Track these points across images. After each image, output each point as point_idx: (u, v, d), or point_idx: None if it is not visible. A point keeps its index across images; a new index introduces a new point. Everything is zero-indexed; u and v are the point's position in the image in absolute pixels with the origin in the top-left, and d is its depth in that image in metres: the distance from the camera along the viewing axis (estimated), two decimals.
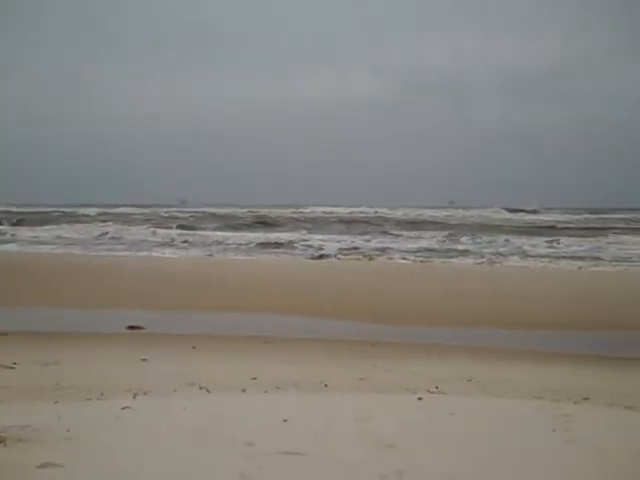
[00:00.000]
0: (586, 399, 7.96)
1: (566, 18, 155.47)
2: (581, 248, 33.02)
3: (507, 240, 36.35)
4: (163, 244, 35.34)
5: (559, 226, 48.05)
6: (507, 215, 61.14)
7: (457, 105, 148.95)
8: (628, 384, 8.98)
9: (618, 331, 13.48)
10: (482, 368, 9.71)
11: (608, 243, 35.03)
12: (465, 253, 31.38)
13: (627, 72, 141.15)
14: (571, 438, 6.33)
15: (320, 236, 38.45)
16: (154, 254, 30.67)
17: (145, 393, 7.74)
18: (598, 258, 28.83)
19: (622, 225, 49.41)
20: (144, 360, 9.82)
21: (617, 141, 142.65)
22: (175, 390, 7.94)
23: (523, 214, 62.80)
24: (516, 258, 29.21)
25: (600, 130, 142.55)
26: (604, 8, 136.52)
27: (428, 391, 8.06)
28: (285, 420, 6.66)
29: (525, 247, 33.57)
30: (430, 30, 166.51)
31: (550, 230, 44.14)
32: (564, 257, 29.35)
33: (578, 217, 58.38)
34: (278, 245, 34.65)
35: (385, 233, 41.28)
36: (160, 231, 41.28)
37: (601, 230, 43.65)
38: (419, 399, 7.63)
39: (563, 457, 5.92)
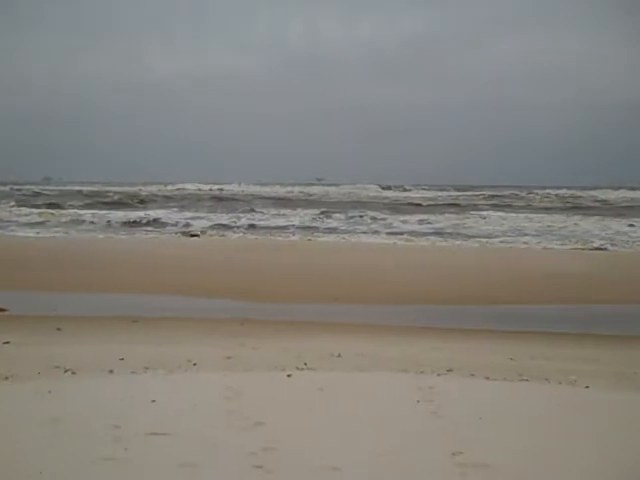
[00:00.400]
0: (450, 370, 8.23)
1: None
2: (448, 224, 34.03)
3: (378, 217, 36.99)
4: (26, 223, 34.03)
5: (427, 203, 49.38)
6: (379, 192, 62.36)
7: (327, 83, 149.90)
8: (488, 355, 9.35)
9: (478, 305, 13.99)
10: (350, 343, 9.84)
11: (472, 219, 36.24)
12: (337, 230, 31.76)
13: (490, 53, 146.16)
14: (434, 408, 6.55)
15: (190, 214, 38.04)
16: (18, 233, 29.54)
17: (7, 378, 7.49)
18: (462, 234, 29.78)
19: (485, 202, 51.33)
20: (6, 343, 9.46)
21: (483, 121, 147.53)
22: (39, 373, 7.71)
23: (395, 191, 64.24)
24: (386, 234, 29.80)
25: (467, 110, 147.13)
26: None
27: (297, 368, 8.14)
28: (153, 401, 6.61)
29: (396, 223, 34.30)
30: (292, 7, 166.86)
31: (419, 207, 45.29)
32: (432, 233, 30.14)
33: (446, 194, 60.22)
34: (147, 223, 34.04)
35: (255, 210, 41.21)
36: (23, 210, 39.74)
37: (466, 207, 45.17)
38: (288, 376, 7.71)
39: (426, 426, 6.13)
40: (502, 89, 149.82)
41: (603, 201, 52.24)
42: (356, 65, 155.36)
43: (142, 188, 59.05)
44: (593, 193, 57.55)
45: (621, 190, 61.08)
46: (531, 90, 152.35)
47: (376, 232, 30.83)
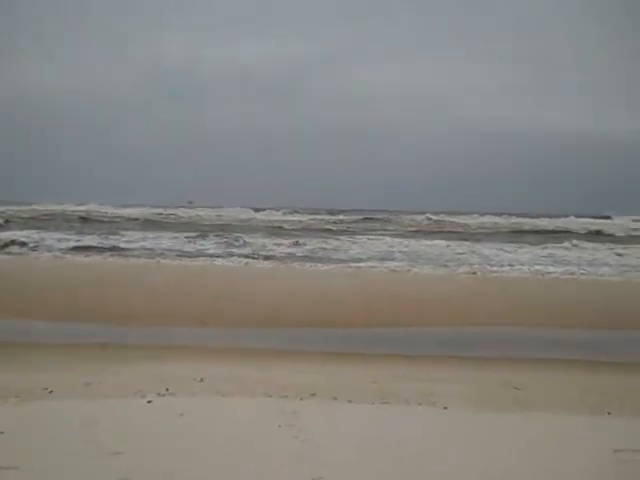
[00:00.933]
0: (313, 395, 8.22)
1: (304, 18, 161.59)
2: (320, 247, 34.25)
3: (250, 240, 36.84)
4: None
5: (301, 227, 49.62)
6: (253, 215, 62.17)
7: (196, 105, 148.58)
8: (352, 378, 9.40)
9: (344, 328, 14.10)
10: (215, 368, 9.72)
11: (343, 243, 36.65)
12: (207, 253, 31.42)
13: (367, 78, 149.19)
14: (296, 433, 6.52)
15: (53, 234, 36.79)
16: None
17: None
18: (333, 258, 30.02)
19: (356, 226, 52.14)
20: None
21: (359, 146, 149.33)
22: None
23: (268, 214, 64.21)
24: (257, 257, 29.68)
25: (344, 134, 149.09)
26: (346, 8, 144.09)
27: (158, 394, 7.95)
28: (2, 432, 6.29)
29: (269, 246, 34.27)
30: (170, 29, 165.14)
31: (292, 231, 45.43)
32: (304, 257, 30.25)
33: (319, 218, 60.70)
34: (6, 245, 32.64)
35: (122, 232, 40.06)
36: None
37: (337, 231, 45.72)
38: (148, 402, 7.52)
39: (287, 451, 6.07)
40: (379, 115, 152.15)
41: (466, 225, 53.85)
42: (233, 85, 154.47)
43: (5, 208, 56.72)
44: (455, 219, 59.19)
45: (487, 216, 63.19)
46: (410, 116, 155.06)
47: (247, 255, 30.66)
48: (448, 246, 35.64)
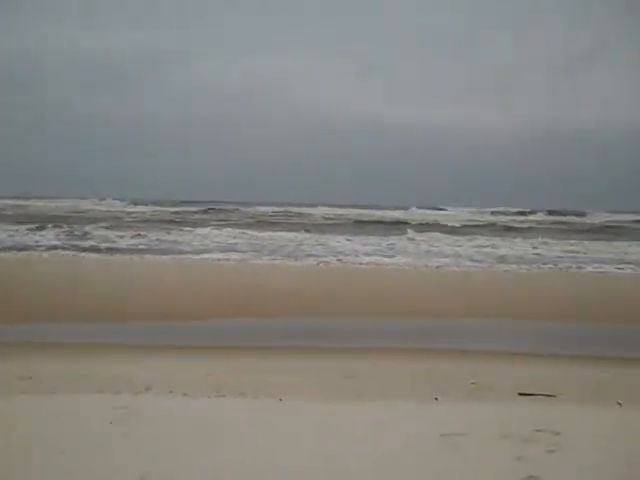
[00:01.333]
0: (148, 389, 8.11)
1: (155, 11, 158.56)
2: (164, 239, 33.80)
3: (93, 232, 35.88)
4: None
5: (145, 218, 48.73)
6: (94, 206, 60.58)
7: (40, 90, 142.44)
8: (187, 372, 9.31)
9: (179, 320, 13.99)
10: (47, 364, 9.41)
11: (185, 234, 36.29)
12: (49, 245, 30.31)
13: (227, 69, 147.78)
14: (126, 429, 6.41)
15: None
16: None
17: None
18: (174, 249, 29.66)
19: (201, 217, 51.73)
20: None
21: (202, 134, 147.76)
22: None
23: (110, 204, 62.72)
24: (103, 250, 28.93)
25: (187, 124, 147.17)
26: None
27: None
28: None
29: (112, 238, 33.43)
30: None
31: (134, 222, 44.50)
32: (148, 249, 29.67)
33: (163, 209, 59.79)
34: None
35: None
36: None
37: (181, 222, 45.23)
38: None
39: (116, 448, 5.96)
40: (234, 105, 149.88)
41: (310, 217, 54.43)
42: (76, 75, 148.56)
43: None
44: (300, 209, 59.82)
45: (331, 207, 64.21)
46: (263, 105, 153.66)
47: (89, 247, 29.80)
48: (295, 237, 35.94)
